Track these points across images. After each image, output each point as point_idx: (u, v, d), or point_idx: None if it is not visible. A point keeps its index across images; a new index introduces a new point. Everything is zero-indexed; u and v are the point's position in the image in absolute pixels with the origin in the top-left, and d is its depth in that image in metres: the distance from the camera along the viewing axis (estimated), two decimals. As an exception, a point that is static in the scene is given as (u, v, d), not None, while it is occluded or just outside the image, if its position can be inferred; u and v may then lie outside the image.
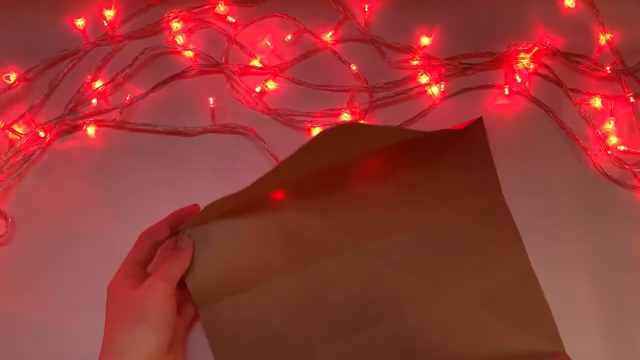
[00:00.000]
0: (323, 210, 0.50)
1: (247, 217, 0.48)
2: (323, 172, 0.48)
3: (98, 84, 0.55)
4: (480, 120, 0.53)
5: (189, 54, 0.56)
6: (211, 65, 0.56)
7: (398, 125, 0.55)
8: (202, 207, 0.47)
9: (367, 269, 0.50)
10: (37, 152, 0.53)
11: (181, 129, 0.54)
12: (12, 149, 0.53)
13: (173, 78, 0.56)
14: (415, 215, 0.51)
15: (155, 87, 0.55)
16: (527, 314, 0.51)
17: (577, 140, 0.56)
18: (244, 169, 0.54)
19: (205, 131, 0.54)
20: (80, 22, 0.55)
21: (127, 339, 0.41)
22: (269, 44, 0.57)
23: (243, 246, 0.48)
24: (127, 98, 0.54)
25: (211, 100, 0.54)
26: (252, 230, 0.48)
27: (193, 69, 0.55)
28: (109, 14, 0.56)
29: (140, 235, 0.46)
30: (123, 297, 0.43)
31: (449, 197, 0.52)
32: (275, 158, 0.53)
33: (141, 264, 0.46)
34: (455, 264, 0.51)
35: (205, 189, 0.53)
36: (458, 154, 0.52)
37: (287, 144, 0.53)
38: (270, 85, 0.56)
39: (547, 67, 0.57)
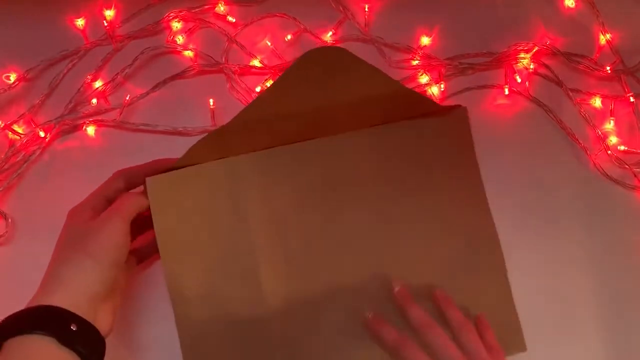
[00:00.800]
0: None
1: (218, 169, 0.47)
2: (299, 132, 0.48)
3: (98, 83, 0.55)
4: (464, 110, 0.52)
5: (189, 53, 0.56)
6: (211, 65, 0.56)
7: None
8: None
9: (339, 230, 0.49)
10: (37, 152, 0.53)
11: (181, 129, 0.54)
12: (12, 149, 0.53)
13: (173, 78, 0.55)
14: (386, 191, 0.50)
15: (155, 87, 0.55)
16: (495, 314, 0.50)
17: (577, 140, 0.56)
18: (244, 169, 0.54)
19: (205, 131, 0.54)
20: (80, 22, 0.55)
21: (71, 270, 0.40)
22: (269, 44, 0.57)
23: (212, 194, 0.47)
24: (127, 98, 0.54)
25: (211, 101, 0.54)
26: (221, 181, 0.47)
27: (193, 69, 0.55)
28: (109, 13, 0.56)
29: (115, 172, 0.47)
30: (78, 227, 0.43)
31: (426, 181, 0.51)
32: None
33: (108, 199, 0.45)
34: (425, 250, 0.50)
35: (205, 189, 0.52)
36: (440, 142, 0.52)
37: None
38: (270, 85, 0.56)
39: (547, 67, 0.57)
